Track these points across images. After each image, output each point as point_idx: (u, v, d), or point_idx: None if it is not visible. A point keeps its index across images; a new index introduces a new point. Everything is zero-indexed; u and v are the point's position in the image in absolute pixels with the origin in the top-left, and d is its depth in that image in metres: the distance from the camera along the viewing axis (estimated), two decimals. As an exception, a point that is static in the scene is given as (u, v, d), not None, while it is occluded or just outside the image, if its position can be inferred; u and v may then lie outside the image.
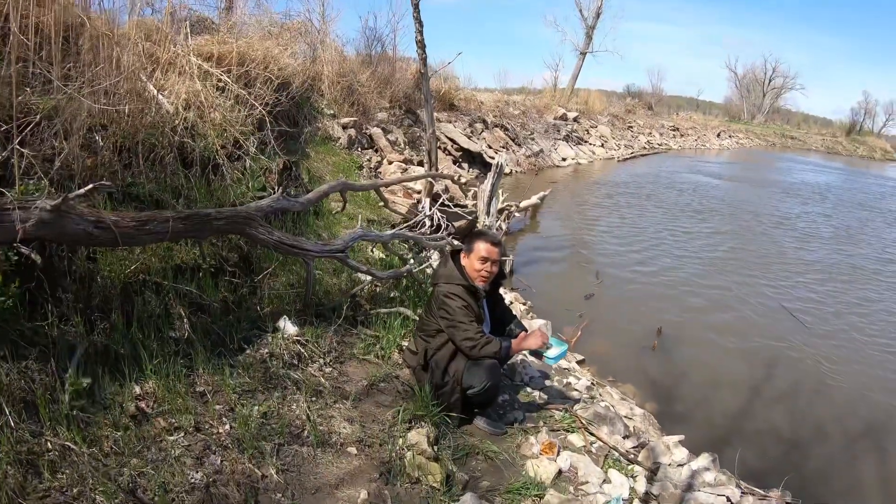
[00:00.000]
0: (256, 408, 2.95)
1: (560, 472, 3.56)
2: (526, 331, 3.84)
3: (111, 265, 3.29)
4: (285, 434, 2.94)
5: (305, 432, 3.01)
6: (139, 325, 3.01)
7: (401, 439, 3.15)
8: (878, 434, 6.51)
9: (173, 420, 2.71)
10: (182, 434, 2.68)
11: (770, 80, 65.09)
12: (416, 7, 8.06)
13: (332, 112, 11.21)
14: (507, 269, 8.49)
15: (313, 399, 3.25)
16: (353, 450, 3.03)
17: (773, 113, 66.17)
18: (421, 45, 8.22)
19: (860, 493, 5.55)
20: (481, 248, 3.55)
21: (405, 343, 4.20)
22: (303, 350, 3.57)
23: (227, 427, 2.81)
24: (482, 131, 18.43)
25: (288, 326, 3.63)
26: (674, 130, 37.52)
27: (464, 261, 3.63)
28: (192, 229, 3.09)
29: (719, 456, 4.75)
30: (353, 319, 4.26)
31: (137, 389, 2.74)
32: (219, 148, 4.93)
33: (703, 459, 4.46)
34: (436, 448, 3.18)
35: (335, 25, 14.23)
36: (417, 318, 4.35)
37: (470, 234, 3.79)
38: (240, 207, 3.42)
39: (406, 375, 3.88)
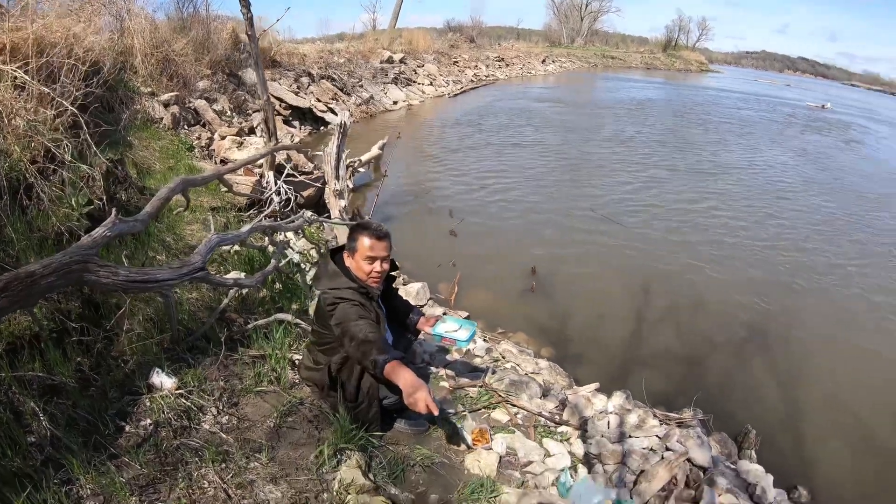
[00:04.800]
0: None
1: (500, 458, 3.47)
2: (423, 315, 3.62)
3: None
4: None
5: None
6: (-13, 441, 2.44)
7: (335, 482, 2.80)
8: (756, 329, 7.23)
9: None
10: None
11: (587, 5, 67.99)
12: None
13: (149, 90, 10.25)
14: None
15: (223, 466, 2.74)
16: (290, 516, 2.68)
17: (592, 36, 69.40)
18: (245, 2, 7.40)
19: (759, 393, 6.09)
20: (365, 244, 3.03)
21: (297, 357, 3.77)
22: (189, 403, 3.03)
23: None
24: (309, 85, 17.76)
25: (164, 380, 3.09)
26: (499, 61, 38.22)
27: (348, 261, 3.12)
28: (16, 301, 2.41)
29: (627, 387, 5.16)
30: (231, 340, 3.74)
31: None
32: (28, 164, 4.27)
33: (618, 398, 4.76)
34: (372, 476, 2.92)
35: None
36: (300, 322, 4.05)
37: (351, 229, 3.23)
38: (71, 250, 2.75)
39: (308, 394, 3.46)
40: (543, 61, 45.28)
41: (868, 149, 24.01)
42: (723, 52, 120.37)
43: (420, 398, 2.55)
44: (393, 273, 3.38)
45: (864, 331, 7.60)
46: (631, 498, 3.66)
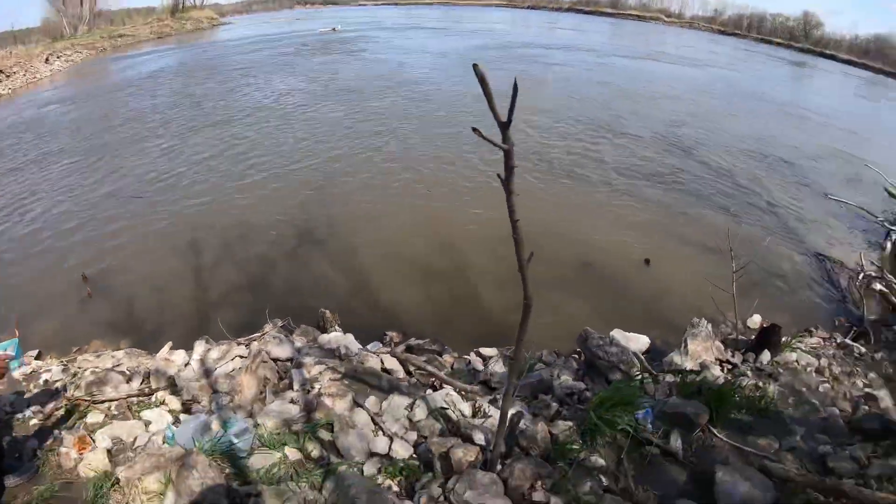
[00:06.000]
0: None
1: (109, 451, 3.78)
2: None
3: None
4: None
5: None
6: None
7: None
8: (305, 234, 8.51)
9: None
10: None
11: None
12: None
13: None
14: None
15: None
16: None
17: (97, 19, 64.15)
18: None
19: (327, 280, 7.28)
20: None
21: None
22: None
23: None
24: None
25: None
26: (-2, 75, 33.83)
27: None
28: None
29: (208, 333, 5.88)
30: None
31: None
32: None
33: (199, 346, 5.46)
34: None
35: None
36: None
37: None
38: None
39: None
40: (47, 60, 40.96)
41: (370, 53, 28.91)
42: (233, 3, 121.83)
43: None
44: None
45: (383, 197, 9.85)
46: (235, 413, 4.28)
